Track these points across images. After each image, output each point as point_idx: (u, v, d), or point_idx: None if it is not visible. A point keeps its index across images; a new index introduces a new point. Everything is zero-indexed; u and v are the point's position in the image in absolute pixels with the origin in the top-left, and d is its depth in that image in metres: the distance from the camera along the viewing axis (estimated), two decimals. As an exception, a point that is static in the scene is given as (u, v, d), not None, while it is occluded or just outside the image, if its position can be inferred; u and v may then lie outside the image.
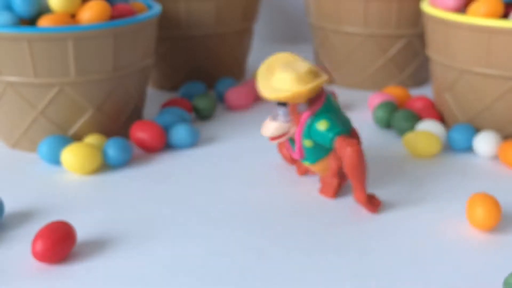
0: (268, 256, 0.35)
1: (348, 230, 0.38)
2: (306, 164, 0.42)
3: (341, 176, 0.42)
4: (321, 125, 0.39)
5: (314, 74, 0.39)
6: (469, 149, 0.49)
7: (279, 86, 0.38)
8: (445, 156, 0.48)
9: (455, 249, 0.36)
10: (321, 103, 0.40)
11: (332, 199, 0.42)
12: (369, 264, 0.34)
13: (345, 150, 0.38)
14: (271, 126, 0.40)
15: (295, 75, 0.38)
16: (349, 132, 0.40)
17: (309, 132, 0.40)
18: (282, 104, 0.40)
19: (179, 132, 0.49)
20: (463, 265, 0.34)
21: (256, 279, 0.33)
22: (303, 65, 0.39)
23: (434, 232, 0.38)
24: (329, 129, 0.39)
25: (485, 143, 0.47)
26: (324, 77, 0.39)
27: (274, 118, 0.41)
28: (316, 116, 0.40)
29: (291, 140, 0.42)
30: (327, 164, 0.41)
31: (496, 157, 0.48)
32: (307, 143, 0.40)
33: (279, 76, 0.38)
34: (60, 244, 0.34)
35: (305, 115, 0.40)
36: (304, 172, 0.45)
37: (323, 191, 0.42)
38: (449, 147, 0.50)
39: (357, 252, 0.36)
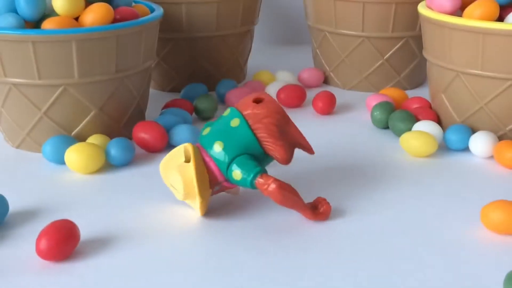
0: (269, 256, 0.36)
1: (345, 231, 0.38)
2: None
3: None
4: (235, 175, 0.38)
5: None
6: (465, 149, 0.49)
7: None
8: (441, 156, 0.49)
9: (455, 248, 0.36)
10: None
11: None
12: (367, 264, 0.35)
13: (268, 190, 0.37)
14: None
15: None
16: None
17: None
18: None
19: (181, 133, 0.50)
20: (464, 264, 0.35)
21: (256, 276, 0.33)
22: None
23: (432, 231, 0.38)
24: (247, 173, 0.38)
25: (480, 143, 0.48)
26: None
27: None
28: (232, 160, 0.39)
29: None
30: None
31: (491, 157, 0.48)
32: (240, 183, 0.39)
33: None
34: (64, 242, 0.34)
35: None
36: None
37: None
38: (445, 147, 0.50)
39: (353, 252, 0.36)
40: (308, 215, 0.39)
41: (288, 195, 0.38)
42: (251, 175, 0.38)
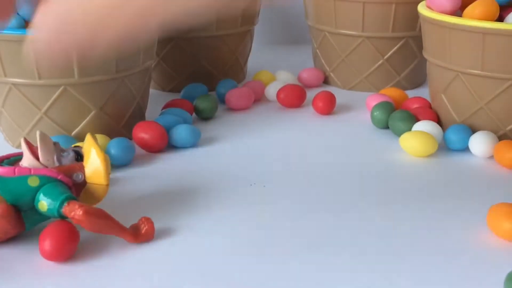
0: (270, 256, 0.36)
1: (348, 231, 0.38)
2: None
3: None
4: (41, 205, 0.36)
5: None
6: (465, 149, 0.49)
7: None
8: (441, 156, 0.49)
9: (455, 248, 0.36)
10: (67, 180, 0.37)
11: None
12: (368, 264, 0.35)
13: (76, 218, 0.35)
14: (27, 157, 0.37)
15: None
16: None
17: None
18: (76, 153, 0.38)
19: (181, 133, 0.50)
20: (465, 264, 0.35)
21: (262, 277, 0.33)
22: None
23: (432, 231, 0.38)
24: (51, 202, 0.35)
25: (480, 143, 0.48)
26: None
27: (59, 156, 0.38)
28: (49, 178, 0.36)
29: None
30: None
31: (491, 157, 0.48)
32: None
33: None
34: (68, 243, 0.35)
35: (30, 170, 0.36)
36: None
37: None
38: (445, 147, 0.50)
39: (355, 251, 0.36)
40: (129, 237, 0.36)
41: (97, 221, 0.35)
42: (58, 203, 0.35)
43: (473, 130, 0.50)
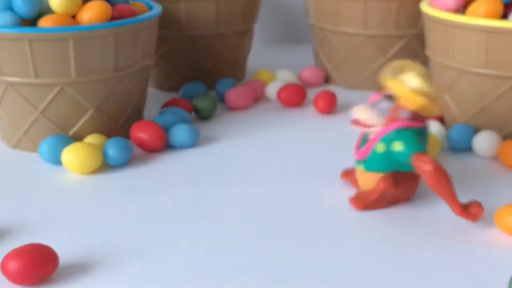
0: (271, 257, 0.35)
1: (354, 231, 0.38)
2: (360, 168, 0.40)
3: (384, 200, 0.40)
4: (397, 145, 0.38)
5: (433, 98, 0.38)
6: (468, 149, 0.49)
7: (415, 88, 0.38)
8: (444, 156, 0.48)
9: (459, 247, 0.36)
10: (421, 124, 0.39)
11: (355, 210, 0.40)
12: (368, 263, 0.35)
13: (423, 169, 0.37)
14: (366, 112, 0.39)
15: (432, 89, 0.38)
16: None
17: (389, 140, 0.39)
18: (389, 99, 0.39)
19: (179, 132, 0.49)
20: (469, 263, 0.34)
21: (258, 281, 0.33)
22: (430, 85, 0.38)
23: (435, 230, 0.38)
24: (407, 148, 0.38)
25: (484, 143, 0.47)
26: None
27: (373, 106, 0.40)
28: (404, 132, 0.39)
29: (364, 139, 0.41)
30: (375, 181, 0.40)
31: (495, 157, 0.48)
32: (380, 147, 0.39)
33: (418, 81, 0.38)
34: (35, 266, 0.32)
35: (400, 123, 0.39)
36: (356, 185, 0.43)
37: (354, 200, 0.41)
38: (448, 147, 0.50)
39: (356, 250, 0.36)
40: (458, 209, 0.37)
41: (440, 180, 0.36)
42: (412, 150, 0.37)
43: (476, 130, 0.50)
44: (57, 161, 0.46)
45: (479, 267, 0.34)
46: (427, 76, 0.38)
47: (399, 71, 0.38)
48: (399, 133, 0.38)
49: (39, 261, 0.32)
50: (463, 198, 0.42)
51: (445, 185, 0.37)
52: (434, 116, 0.39)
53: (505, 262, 0.34)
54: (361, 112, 0.40)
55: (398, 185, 0.40)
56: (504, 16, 0.48)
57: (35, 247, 0.33)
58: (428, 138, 0.40)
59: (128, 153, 0.47)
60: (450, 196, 0.37)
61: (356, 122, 0.40)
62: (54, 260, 0.33)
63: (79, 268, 0.34)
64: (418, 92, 0.38)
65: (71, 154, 0.45)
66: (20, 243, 0.37)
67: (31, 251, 0.32)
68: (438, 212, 0.40)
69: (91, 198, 0.42)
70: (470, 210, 0.38)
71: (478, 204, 0.38)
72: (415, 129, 0.39)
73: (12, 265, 0.32)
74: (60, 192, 0.43)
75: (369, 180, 0.40)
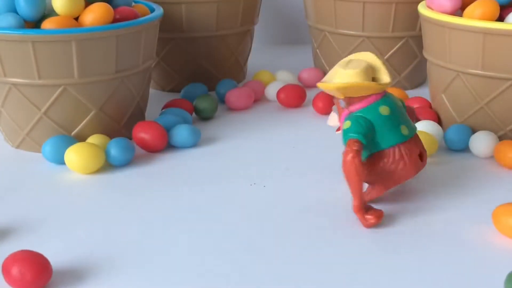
0: (271, 257, 0.36)
1: (354, 231, 0.38)
2: None
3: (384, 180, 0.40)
4: (345, 125, 0.39)
5: (367, 75, 0.38)
6: (465, 149, 0.49)
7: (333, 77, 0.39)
8: (441, 156, 0.49)
9: (456, 248, 0.36)
10: (362, 106, 0.39)
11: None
12: (368, 263, 0.35)
13: (344, 155, 0.37)
14: (332, 118, 0.42)
15: (346, 70, 0.38)
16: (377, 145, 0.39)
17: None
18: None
19: (181, 133, 0.50)
20: (466, 264, 0.35)
21: (259, 281, 0.33)
22: (362, 64, 0.39)
23: (432, 231, 0.38)
24: (347, 130, 0.38)
25: (481, 143, 0.48)
26: (372, 84, 0.38)
27: (333, 110, 0.42)
28: (347, 119, 0.39)
29: None
30: None
31: (492, 157, 0.48)
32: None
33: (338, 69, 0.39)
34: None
35: (344, 114, 0.40)
36: None
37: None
38: (445, 147, 0.50)
39: (355, 250, 0.36)
40: (356, 206, 0.38)
41: (352, 173, 0.37)
42: (351, 135, 0.38)
43: (473, 130, 0.50)
44: (60, 161, 0.47)
45: (476, 267, 0.34)
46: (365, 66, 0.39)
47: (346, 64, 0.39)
48: (345, 122, 0.39)
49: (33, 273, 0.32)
50: (461, 199, 0.42)
51: (354, 179, 0.37)
52: (377, 91, 0.39)
53: (502, 262, 0.35)
54: (330, 120, 0.42)
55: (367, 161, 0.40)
56: (501, 18, 0.49)
57: (28, 260, 0.32)
58: (377, 115, 0.39)
59: (130, 153, 0.47)
60: (354, 190, 0.38)
61: (336, 129, 0.41)
62: (46, 271, 0.32)
63: (81, 268, 0.34)
64: (326, 81, 0.39)
65: (74, 154, 0.45)
66: (24, 242, 0.37)
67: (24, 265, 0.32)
68: (436, 214, 0.40)
69: (94, 197, 0.42)
70: (368, 213, 0.38)
71: (380, 214, 0.38)
72: (357, 113, 0.39)
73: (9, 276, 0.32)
74: (63, 191, 0.43)
75: None
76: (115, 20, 0.48)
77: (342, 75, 0.38)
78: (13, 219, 0.40)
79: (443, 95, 0.51)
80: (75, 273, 0.34)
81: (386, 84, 0.39)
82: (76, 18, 0.47)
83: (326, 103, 0.57)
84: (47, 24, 0.45)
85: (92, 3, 0.48)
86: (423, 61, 0.64)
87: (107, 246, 0.36)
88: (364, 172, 0.38)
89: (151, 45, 0.51)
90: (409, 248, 0.36)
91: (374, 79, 0.39)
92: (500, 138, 0.49)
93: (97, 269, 0.34)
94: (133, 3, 0.53)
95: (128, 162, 0.47)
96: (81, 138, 0.49)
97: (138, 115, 0.52)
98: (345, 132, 0.38)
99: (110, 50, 0.47)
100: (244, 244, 0.37)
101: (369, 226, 0.38)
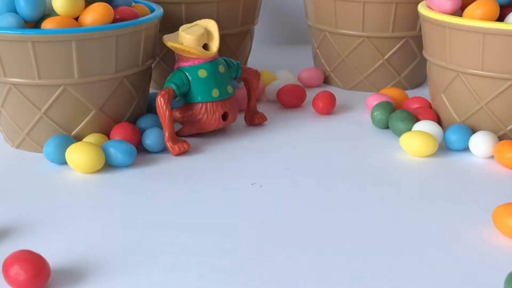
0: (271, 257, 0.36)
1: (354, 231, 0.38)
2: None
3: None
4: (170, 75, 0.50)
5: (199, 42, 0.49)
6: (465, 149, 0.49)
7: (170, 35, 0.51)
8: (441, 156, 0.49)
9: (456, 248, 0.36)
10: (187, 64, 0.49)
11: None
12: (368, 263, 0.35)
13: (157, 97, 0.47)
14: None
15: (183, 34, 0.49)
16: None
17: None
18: None
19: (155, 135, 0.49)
20: (466, 264, 0.35)
21: (259, 280, 0.33)
22: (199, 31, 0.49)
23: (433, 231, 0.38)
24: (168, 79, 0.49)
25: (481, 143, 0.48)
26: (199, 49, 0.49)
27: None
28: (178, 69, 0.50)
29: None
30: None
31: (492, 157, 0.48)
32: None
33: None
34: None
35: (176, 66, 0.51)
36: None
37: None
38: (445, 147, 0.50)
39: (354, 251, 0.36)
40: (166, 137, 0.48)
41: (161, 109, 0.47)
42: (168, 83, 0.49)
43: (473, 130, 0.50)
44: (62, 161, 0.47)
45: (476, 267, 0.34)
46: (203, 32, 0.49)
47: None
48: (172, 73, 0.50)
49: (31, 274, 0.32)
50: (460, 199, 0.42)
51: (160, 115, 0.47)
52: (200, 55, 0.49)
53: (502, 262, 0.35)
54: None
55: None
56: (500, 18, 0.49)
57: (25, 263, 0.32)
58: (195, 75, 0.49)
59: (130, 154, 0.47)
60: (163, 124, 0.48)
61: None
62: (44, 273, 0.32)
63: (81, 268, 0.34)
64: (168, 39, 0.50)
65: (76, 153, 0.45)
66: (25, 242, 0.37)
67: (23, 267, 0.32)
68: (435, 213, 0.40)
69: (94, 197, 0.42)
70: (176, 144, 0.48)
71: (185, 145, 0.48)
72: (182, 69, 0.50)
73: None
74: (63, 191, 0.43)
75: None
76: (115, 20, 0.48)
77: (180, 37, 0.49)
78: (13, 219, 0.40)
79: (443, 95, 0.51)
80: (75, 273, 0.34)
81: (210, 54, 0.49)
82: (76, 18, 0.47)
83: (326, 103, 0.57)
84: (47, 24, 0.45)
85: (92, 3, 0.48)
86: (423, 61, 0.64)
87: (107, 246, 0.36)
88: (171, 112, 0.48)
89: (151, 45, 0.51)
90: (409, 248, 0.36)
91: (206, 45, 0.49)
92: (500, 138, 0.49)
93: (97, 269, 0.34)
94: (133, 3, 0.53)
95: (129, 162, 0.47)
96: (81, 138, 0.49)
97: (138, 115, 0.52)
98: (167, 80, 0.49)
99: (110, 50, 0.47)
100: (244, 244, 0.37)
101: (175, 153, 0.48)
